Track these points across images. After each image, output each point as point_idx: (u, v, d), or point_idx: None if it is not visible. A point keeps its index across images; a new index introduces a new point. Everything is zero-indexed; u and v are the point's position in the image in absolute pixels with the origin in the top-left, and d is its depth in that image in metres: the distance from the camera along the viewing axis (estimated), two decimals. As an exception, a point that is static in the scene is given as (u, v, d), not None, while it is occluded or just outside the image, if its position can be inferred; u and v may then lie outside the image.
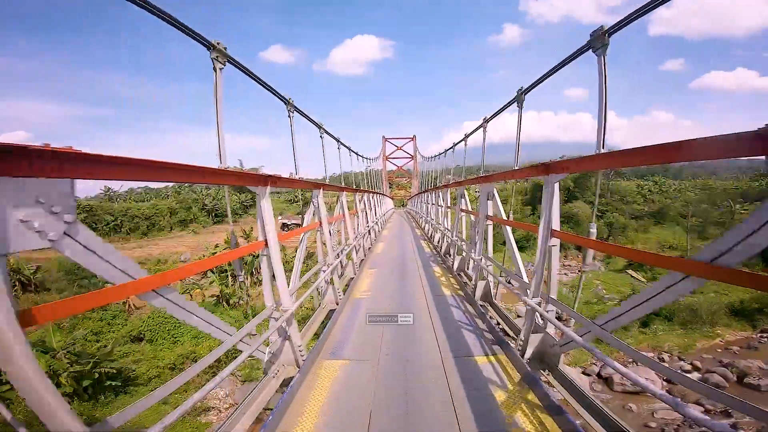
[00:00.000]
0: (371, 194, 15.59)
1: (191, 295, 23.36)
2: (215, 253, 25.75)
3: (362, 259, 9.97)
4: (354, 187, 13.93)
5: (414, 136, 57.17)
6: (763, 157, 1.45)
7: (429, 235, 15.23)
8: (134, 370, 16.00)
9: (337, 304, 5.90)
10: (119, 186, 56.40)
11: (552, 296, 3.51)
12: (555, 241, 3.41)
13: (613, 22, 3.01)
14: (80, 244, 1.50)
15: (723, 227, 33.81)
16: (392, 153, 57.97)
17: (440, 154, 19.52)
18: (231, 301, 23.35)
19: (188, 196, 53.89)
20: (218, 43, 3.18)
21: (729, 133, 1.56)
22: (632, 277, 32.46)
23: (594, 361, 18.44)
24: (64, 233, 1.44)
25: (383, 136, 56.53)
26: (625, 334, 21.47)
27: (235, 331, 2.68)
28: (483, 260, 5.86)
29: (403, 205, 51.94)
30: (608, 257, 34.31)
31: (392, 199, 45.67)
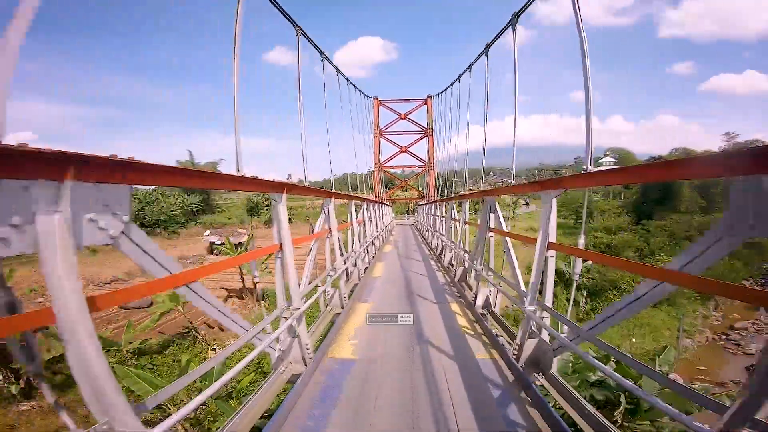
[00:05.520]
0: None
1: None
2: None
3: None
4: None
5: (429, 96, 31.49)
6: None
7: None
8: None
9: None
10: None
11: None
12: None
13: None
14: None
15: None
16: (392, 124, 32.66)
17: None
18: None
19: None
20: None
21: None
22: None
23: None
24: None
25: (375, 98, 31.61)
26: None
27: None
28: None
29: (407, 212, 40.44)
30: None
31: (392, 204, 32.66)
